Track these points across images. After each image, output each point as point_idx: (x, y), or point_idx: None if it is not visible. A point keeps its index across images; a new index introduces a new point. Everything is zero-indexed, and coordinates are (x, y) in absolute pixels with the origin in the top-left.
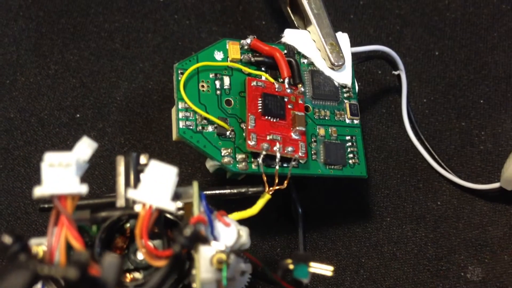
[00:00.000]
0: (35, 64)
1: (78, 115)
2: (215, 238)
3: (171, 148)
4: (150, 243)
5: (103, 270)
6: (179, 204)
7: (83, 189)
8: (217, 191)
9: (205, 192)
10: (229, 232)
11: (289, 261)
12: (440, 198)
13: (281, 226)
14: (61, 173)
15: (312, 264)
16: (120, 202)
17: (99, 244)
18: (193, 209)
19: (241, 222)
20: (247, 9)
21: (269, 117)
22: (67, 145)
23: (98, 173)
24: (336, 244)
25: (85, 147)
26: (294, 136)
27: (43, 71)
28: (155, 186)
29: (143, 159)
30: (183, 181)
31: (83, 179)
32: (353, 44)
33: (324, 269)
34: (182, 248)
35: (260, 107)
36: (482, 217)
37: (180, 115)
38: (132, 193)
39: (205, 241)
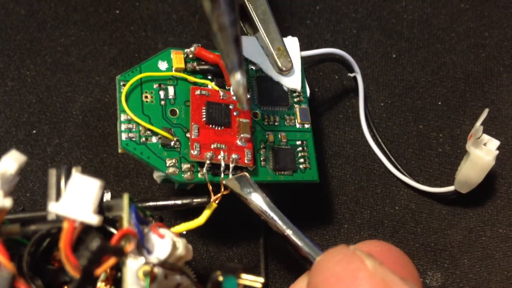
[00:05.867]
0: None
1: (34, 131)
2: (149, 251)
3: (127, 161)
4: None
5: None
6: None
7: (7, 203)
8: (160, 203)
9: (148, 204)
10: (164, 244)
11: (218, 273)
12: (398, 203)
13: (242, 235)
14: None
15: (242, 275)
16: (51, 216)
17: (28, 257)
18: (123, 221)
19: (205, 233)
20: (203, 18)
21: (214, 126)
22: None
23: None
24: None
25: (11, 161)
26: (239, 143)
27: (0, 88)
28: (77, 199)
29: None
30: (140, 193)
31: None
32: (310, 50)
33: (254, 281)
34: (90, 262)
35: (204, 116)
36: (441, 221)
37: (123, 127)
38: (53, 207)
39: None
